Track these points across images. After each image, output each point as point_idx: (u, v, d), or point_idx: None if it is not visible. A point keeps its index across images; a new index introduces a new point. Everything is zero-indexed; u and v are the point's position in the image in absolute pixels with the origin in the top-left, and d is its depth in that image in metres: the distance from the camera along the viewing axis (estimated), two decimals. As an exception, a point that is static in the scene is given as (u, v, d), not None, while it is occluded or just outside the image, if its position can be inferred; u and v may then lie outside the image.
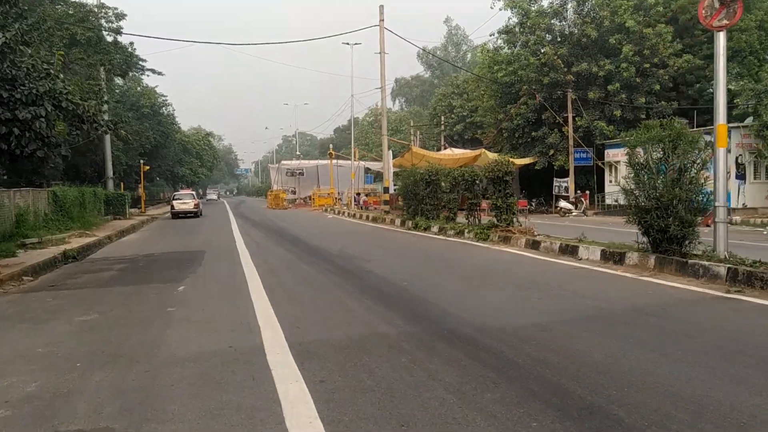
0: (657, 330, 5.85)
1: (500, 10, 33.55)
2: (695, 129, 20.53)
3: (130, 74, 42.42)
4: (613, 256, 10.31)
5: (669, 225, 9.00)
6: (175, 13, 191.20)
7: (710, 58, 29.46)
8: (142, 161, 39.43)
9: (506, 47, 34.97)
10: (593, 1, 31.71)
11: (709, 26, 9.20)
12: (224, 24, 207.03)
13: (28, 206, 18.34)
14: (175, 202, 33.98)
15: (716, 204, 9.16)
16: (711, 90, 30.64)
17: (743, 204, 24.38)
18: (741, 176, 24.63)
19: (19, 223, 16.95)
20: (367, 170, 49.34)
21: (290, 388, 4.37)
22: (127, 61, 35.77)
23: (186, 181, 69.77)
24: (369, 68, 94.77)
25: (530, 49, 32.26)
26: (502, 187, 15.23)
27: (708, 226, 10.76)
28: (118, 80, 41.36)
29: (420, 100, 78.37)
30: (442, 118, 47.87)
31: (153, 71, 42.25)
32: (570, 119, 30.18)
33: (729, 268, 8.09)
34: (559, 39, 32.61)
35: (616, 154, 29.57)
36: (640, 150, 9.68)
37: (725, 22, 8.95)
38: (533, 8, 32.93)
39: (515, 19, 33.71)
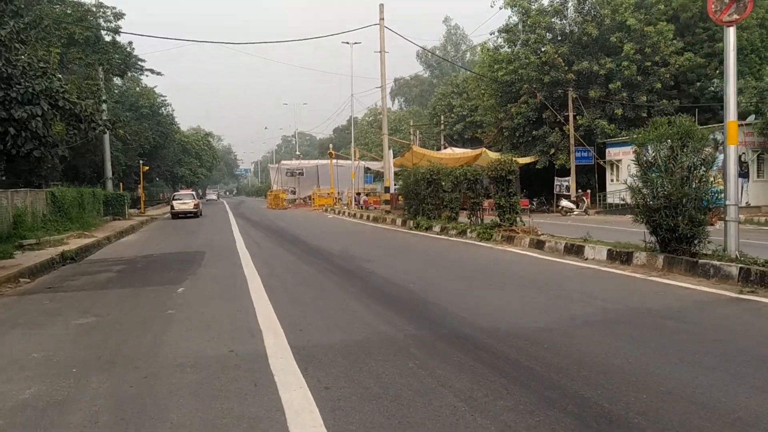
0: (676, 334, 5.66)
1: (500, 8, 33.51)
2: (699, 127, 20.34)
3: (129, 74, 42.27)
4: (620, 255, 10.12)
5: (678, 224, 8.82)
6: (173, 12, 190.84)
7: (711, 56, 29.53)
8: (141, 161, 39.26)
9: (506, 46, 34.84)
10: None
11: (719, 21, 8.99)
12: (223, 23, 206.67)
13: (26, 207, 18.16)
14: (174, 203, 33.89)
15: (727, 202, 8.97)
16: (712, 88, 30.56)
17: (746, 202, 24.17)
18: (744, 174, 24.42)
19: (17, 224, 16.79)
20: (367, 170, 49.15)
21: (294, 396, 4.19)
22: (125, 61, 35.63)
23: (185, 182, 69.59)
24: (369, 68, 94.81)
25: (531, 47, 32.12)
26: (505, 186, 15.09)
27: (712, 224, 10.58)
28: (117, 80, 41.21)
29: (419, 100, 78.25)
30: (442, 117, 47.74)
31: (152, 71, 42.24)
32: (571, 118, 30.01)
33: (741, 268, 7.91)
34: (559, 37, 32.45)
35: (617, 153, 29.45)
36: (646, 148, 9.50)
37: (735, 17, 8.75)
38: (534, 7, 32.81)
39: (515, 18, 33.60)
